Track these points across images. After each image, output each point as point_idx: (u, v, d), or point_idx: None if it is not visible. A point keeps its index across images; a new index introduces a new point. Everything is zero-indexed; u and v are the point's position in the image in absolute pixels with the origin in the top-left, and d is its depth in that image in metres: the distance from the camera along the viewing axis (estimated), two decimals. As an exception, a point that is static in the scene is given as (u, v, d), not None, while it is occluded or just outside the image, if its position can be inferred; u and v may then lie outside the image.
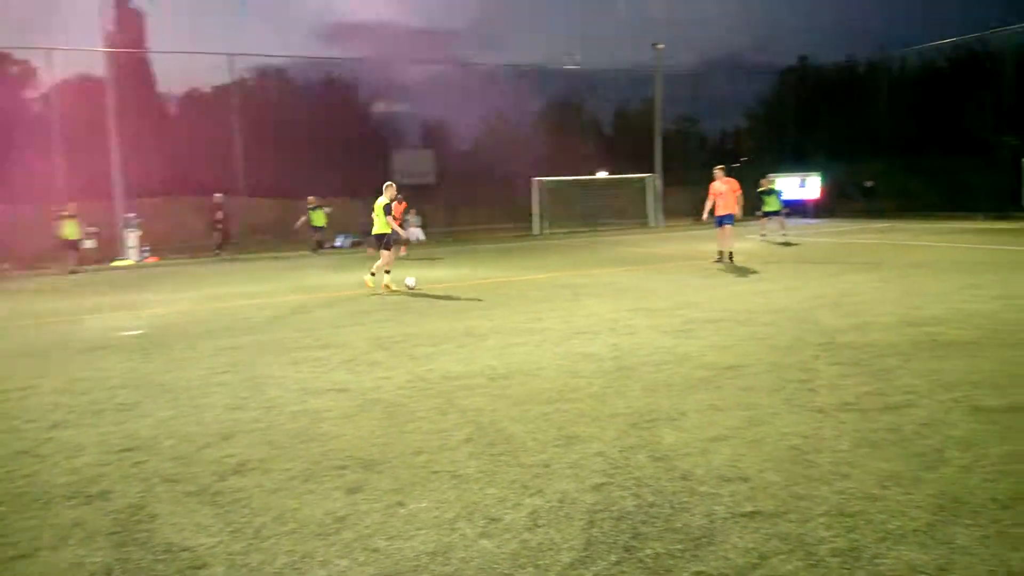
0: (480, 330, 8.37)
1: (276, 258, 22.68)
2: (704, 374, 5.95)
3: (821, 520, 3.30)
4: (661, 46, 29.56)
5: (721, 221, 14.75)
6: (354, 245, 25.15)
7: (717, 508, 3.47)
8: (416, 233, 26.90)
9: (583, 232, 29.32)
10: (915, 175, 32.76)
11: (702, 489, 3.70)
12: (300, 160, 27.03)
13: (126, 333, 9.34)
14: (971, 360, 6.03)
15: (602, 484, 3.83)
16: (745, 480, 3.79)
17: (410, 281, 12.45)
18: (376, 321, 9.38)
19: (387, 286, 12.30)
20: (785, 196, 32.63)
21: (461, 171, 30.50)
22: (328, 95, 31.77)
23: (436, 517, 3.53)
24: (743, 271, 13.20)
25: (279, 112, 29.29)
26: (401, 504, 3.70)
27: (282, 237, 25.78)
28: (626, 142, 36.20)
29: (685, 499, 3.59)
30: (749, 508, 3.46)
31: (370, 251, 16.99)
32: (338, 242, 25.79)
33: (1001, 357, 6.08)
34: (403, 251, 17.93)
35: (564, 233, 28.88)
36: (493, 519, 3.47)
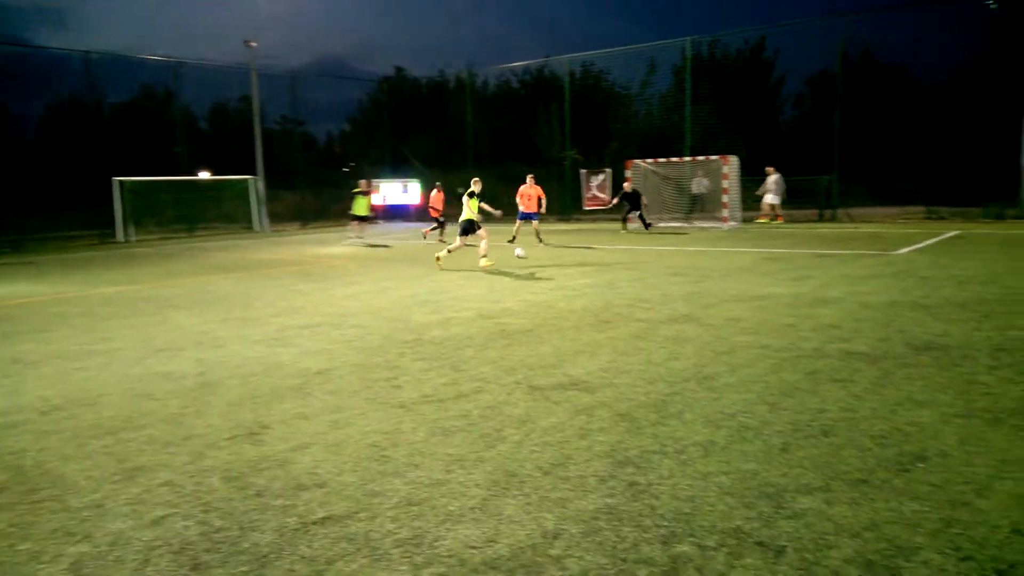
0: (31, 356, 7.16)
1: None
2: (294, 382, 5.83)
3: (390, 514, 3.41)
4: (254, 44, 28.63)
5: (527, 216, 18.76)
6: None
7: (289, 520, 3.39)
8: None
9: (180, 238, 27.16)
10: (500, 183, 36.67)
11: (276, 503, 3.59)
12: None
13: None
14: (531, 346, 6.85)
15: (165, 516, 3.49)
16: (322, 486, 3.76)
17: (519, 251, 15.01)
18: None
19: (439, 258, 13.90)
20: (390, 201, 34.17)
21: (21, 168, 26.00)
22: None
23: (-59, 593, 2.87)
24: (342, 273, 13.39)
25: None
26: None
27: None
28: (226, 141, 34.44)
29: (256, 517, 3.44)
30: (322, 514, 3.43)
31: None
32: None
33: (553, 341, 7.02)
34: None
35: (156, 240, 26.42)
36: (19, 581, 2.93)
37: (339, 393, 5.46)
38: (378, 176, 34.89)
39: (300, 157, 34.24)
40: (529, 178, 19.32)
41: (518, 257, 14.85)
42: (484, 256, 13.82)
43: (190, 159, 30.43)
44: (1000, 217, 21.95)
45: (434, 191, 21.57)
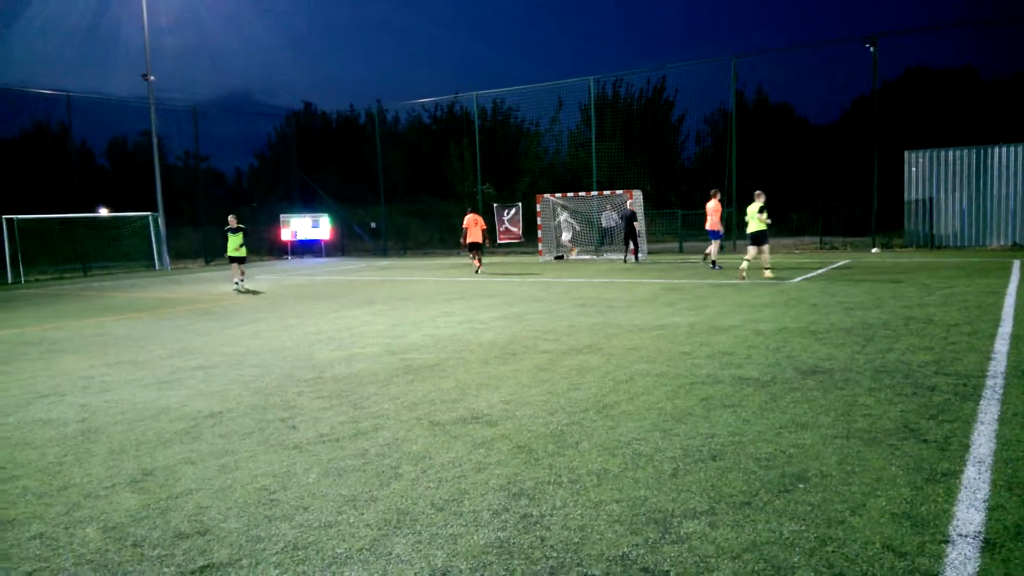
0: None
1: None
2: (183, 426, 5.60)
3: (274, 559, 3.29)
4: (152, 78, 27.85)
5: (715, 235, 18.43)
6: None
7: (167, 570, 3.22)
8: None
9: (74, 278, 25.86)
10: (412, 217, 36.66)
11: (154, 553, 3.41)
12: None
13: None
14: (435, 380, 6.80)
15: (32, 572, 3.27)
16: (203, 533, 3.61)
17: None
18: None
19: (744, 276, 14.92)
20: (300, 236, 33.59)
21: None
22: None
23: None
24: (246, 311, 13.01)
25: None
26: None
27: None
28: (126, 177, 33.24)
29: (131, 568, 3.26)
30: (202, 563, 3.29)
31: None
32: None
33: (458, 375, 6.99)
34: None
35: (49, 280, 25.09)
36: None
37: (230, 436, 5.26)
38: (288, 211, 34.30)
39: (204, 193, 33.30)
40: (715, 192, 18.63)
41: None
42: (767, 268, 15.33)
43: (88, 195, 29.16)
44: (887, 247, 23.33)
45: (468, 215, 20.98)
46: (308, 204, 36.06)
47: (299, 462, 4.63)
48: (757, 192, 15.33)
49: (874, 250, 22.62)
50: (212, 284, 20.58)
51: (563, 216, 25.73)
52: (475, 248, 20.98)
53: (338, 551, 3.35)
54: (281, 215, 33.51)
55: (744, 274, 15.00)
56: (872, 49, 23.37)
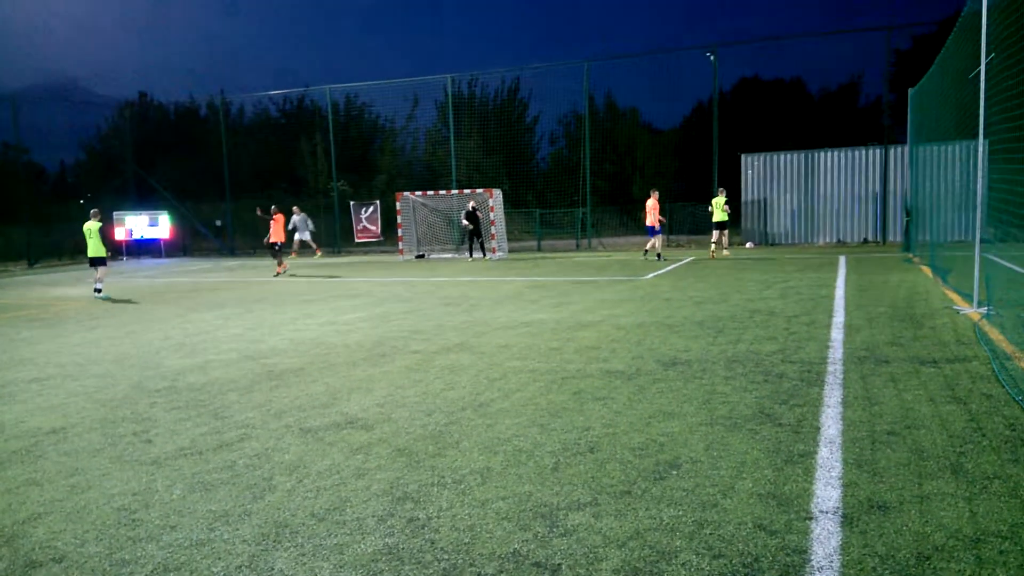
0: None
1: None
2: (21, 444, 5.06)
3: (143, 585, 3.04)
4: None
5: (652, 231, 19.78)
6: None
7: (16, 608, 2.90)
8: None
9: None
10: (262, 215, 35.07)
11: (-1, 589, 3.07)
12: None
13: None
14: (302, 386, 6.55)
15: None
16: (60, 560, 3.28)
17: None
18: None
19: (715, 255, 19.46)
20: (136, 235, 31.33)
21: None
22: None
23: None
24: (80, 317, 11.96)
25: None
26: None
27: None
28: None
29: (-28, 609, 2.91)
30: (59, 596, 2.99)
31: None
32: None
33: (326, 379, 6.77)
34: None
35: None
36: None
37: (77, 453, 4.82)
38: (121, 209, 31.87)
39: (25, 189, 30.31)
40: (654, 192, 20.02)
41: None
42: (726, 248, 20.40)
43: None
44: (729, 245, 24.92)
45: (275, 215, 20.06)
46: (145, 200, 33.66)
47: (159, 478, 4.31)
48: (720, 188, 19.70)
49: (748, 244, 24.30)
50: (38, 288, 18.78)
51: (296, 216, 25.48)
52: (281, 249, 20.03)
53: (214, 570, 3.15)
54: (114, 212, 31.08)
55: (714, 255, 19.63)
56: (712, 58, 24.87)
